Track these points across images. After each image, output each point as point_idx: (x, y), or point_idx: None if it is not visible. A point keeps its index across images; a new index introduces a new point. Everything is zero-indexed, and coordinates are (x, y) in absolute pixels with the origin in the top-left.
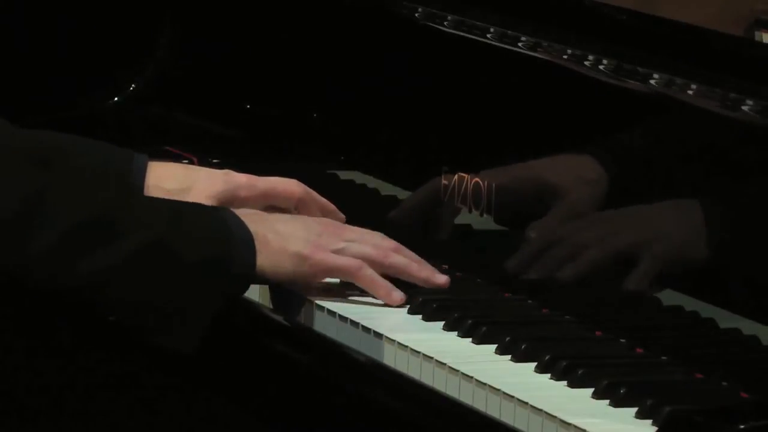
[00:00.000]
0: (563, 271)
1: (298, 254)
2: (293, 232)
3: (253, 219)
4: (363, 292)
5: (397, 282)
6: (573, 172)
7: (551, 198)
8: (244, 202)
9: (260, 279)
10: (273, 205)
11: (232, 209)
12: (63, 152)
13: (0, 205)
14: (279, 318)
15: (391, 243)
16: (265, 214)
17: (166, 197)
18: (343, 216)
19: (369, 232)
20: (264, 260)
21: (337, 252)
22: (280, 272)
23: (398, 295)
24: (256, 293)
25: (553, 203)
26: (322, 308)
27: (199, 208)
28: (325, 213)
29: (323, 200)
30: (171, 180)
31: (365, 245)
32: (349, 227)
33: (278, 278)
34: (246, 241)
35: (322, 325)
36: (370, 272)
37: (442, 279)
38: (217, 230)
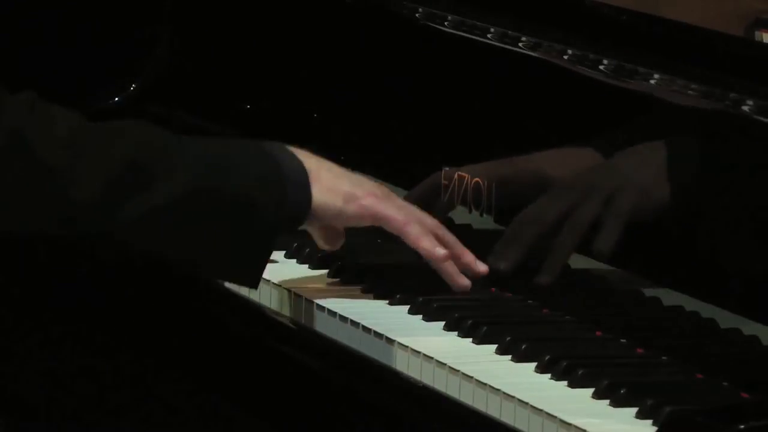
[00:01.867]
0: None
1: (350, 193)
2: (347, 174)
3: (307, 155)
4: (364, 292)
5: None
6: (572, 172)
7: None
8: None
9: (312, 214)
10: None
11: (286, 145)
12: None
13: (45, 153)
14: (281, 319)
15: (435, 222)
16: (315, 156)
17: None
18: None
19: (415, 207)
20: (316, 195)
21: (388, 200)
22: (330, 208)
23: (442, 250)
24: (256, 294)
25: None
26: (322, 308)
27: (248, 146)
28: None
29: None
30: None
31: (416, 209)
32: (397, 197)
33: (326, 215)
34: (300, 175)
35: (322, 325)
36: (418, 228)
37: (465, 282)
38: (267, 166)
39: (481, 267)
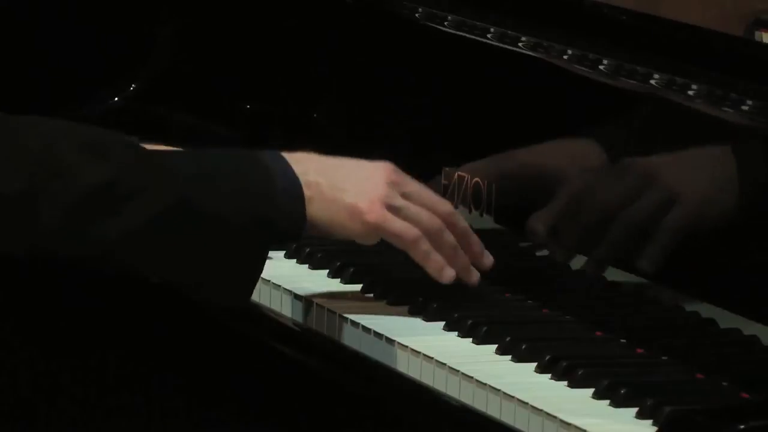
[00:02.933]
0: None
1: (353, 207)
2: (350, 182)
3: (306, 166)
4: (364, 293)
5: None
6: (572, 172)
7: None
8: None
9: (310, 230)
10: None
11: (283, 153)
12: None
13: (5, 177)
14: (283, 320)
15: (447, 207)
16: (320, 158)
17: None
18: None
19: (428, 190)
20: (316, 211)
21: (395, 210)
22: (333, 224)
23: (449, 273)
24: (257, 296)
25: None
26: (322, 308)
27: (240, 158)
28: None
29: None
30: None
31: (422, 211)
32: (406, 177)
33: (330, 231)
34: (293, 192)
35: (321, 324)
36: (425, 246)
37: (475, 277)
38: (258, 180)
39: (487, 260)
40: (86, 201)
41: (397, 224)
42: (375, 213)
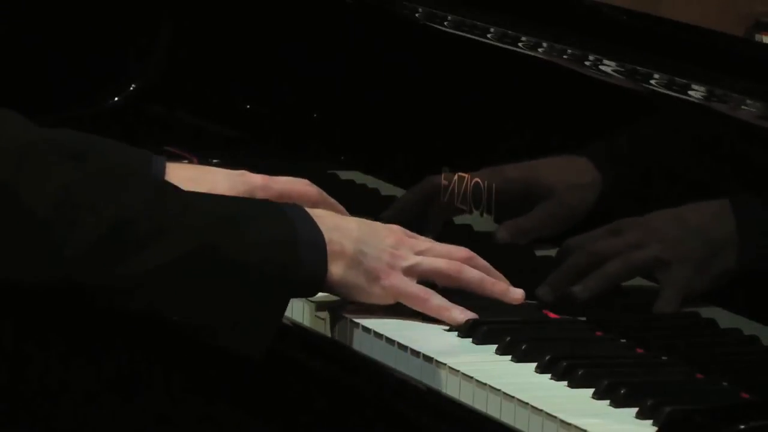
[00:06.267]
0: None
1: (373, 272)
2: (368, 243)
3: (327, 222)
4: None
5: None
6: (573, 173)
7: (550, 198)
8: None
9: (328, 287)
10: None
11: (306, 209)
12: (94, 148)
13: (35, 206)
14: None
15: (462, 252)
16: (340, 218)
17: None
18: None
19: (440, 244)
20: (337, 271)
21: (410, 269)
22: (351, 286)
23: (466, 315)
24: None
25: (552, 204)
26: (322, 307)
27: (264, 207)
28: None
29: (335, 202)
30: (190, 182)
31: (437, 258)
32: (420, 237)
33: (347, 291)
34: (315, 244)
35: (320, 325)
36: (438, 301)
37: (517, 294)
38: (281, 232)
39: (515, 294)
40: (109, 236)
41: (411, 287)
42: (391, 279)
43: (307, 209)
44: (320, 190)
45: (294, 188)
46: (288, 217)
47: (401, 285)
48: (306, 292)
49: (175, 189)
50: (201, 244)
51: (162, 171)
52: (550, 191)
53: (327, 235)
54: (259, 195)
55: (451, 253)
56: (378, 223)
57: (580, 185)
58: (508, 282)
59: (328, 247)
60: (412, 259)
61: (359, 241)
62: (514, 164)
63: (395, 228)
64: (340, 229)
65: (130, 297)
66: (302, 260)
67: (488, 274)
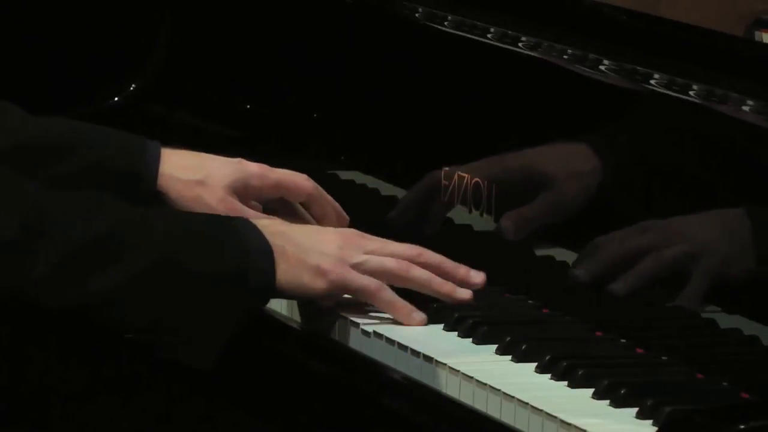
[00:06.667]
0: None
1: (317, 268)
2: (313, 244)
3: (271, 230)
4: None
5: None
6: (572, 172)
7: (551, 188)
8: (256, 192)
9: (278, 293)
10: (283, 197)
11: (249, 218)
12: (83, 141)
13: (2, 227)
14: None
15: (414, 251)
16: (284, 224)
17: (182, 188)
18: (347, 216)
19: (391, 242)
20: (282, 274)
21: (357, 266)
22: (298, 286)
23: (419, 316)
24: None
25: (552, 194)
26: (323, 307)
27: (213, 220)
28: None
29: (331, 198)
30: (186, 170)
31: (386, 258)
32: (371, 237)
33: (296, 293)
34: (265, 253)
35: (321, 327)
36: (388, 295)
37: (465, 294)
38: (232, 243)
39: (477, 278)
40: (76, 255)
41: (359, 279)
42: (338, 271)
43: (252, 220)
44: (317, 185)
45: (291, 179)
46: (236, 228)
47: (348, 277)
48: (259, 301)
49: (132, 206)
50: (158, 258)
51: (157, 157)
52: (550, 180)
53: (271, 240)
54: (255, 183)
55: (401, 252)
56: (328, 228)
57: (579, 175)
58: (467, 268)
59: (274, 254)
60: (360, 258)
61: (302, 243)
62: (514, 164)
63: (346, 231)
64: (284, 234)
65: (92, 313)
66: (253, 269)
67: (442, 268)
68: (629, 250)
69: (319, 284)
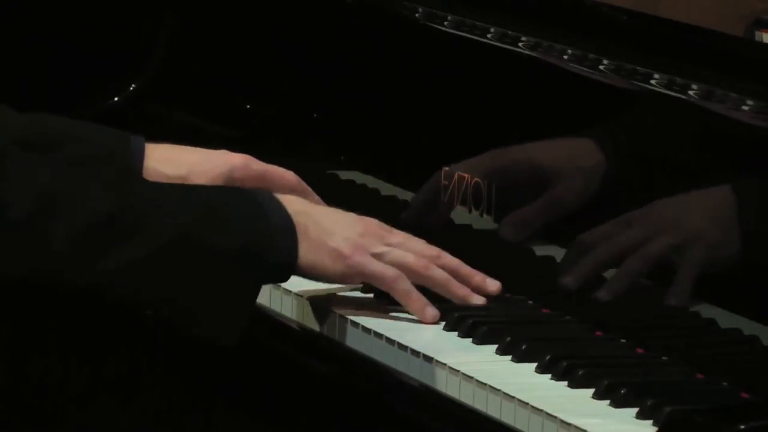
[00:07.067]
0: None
1: (337, 251)
2: (335, 227)
3: (295, 208)
4: (364, 293)
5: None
6: (572, 172)
7: (550, 198)
8: (240, 183)
9: (297, 271)
10: (266, 188)
11: (276, 194)
12: (70, 136)
13: (14, 204)
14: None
15: (433, 251)
16: (308, 204)
17: (166, 182)
18: None
19: (413, 237)
20: (303, 253)
21: (377, 256)
22: (316, 267)
23: (432, 312)
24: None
25: (551, 204)
26: (321, 307)
27: (235, 194)
28: None
29: (314, 194)
30: (170, 163)
31: (406, 253)
32: (393, 230)
33: (314, 273)
34: (287, 229)
35: (321, 324)
36: (406, 285)
37: (479, 300)
38: (254, 218)
39: (493, 287)
40: (92, 230)
41: (378, 266)
42: (357, 257)
43: (276, 194)
44: (302, 182)
45: (274, 171)
46: (258, 203)
47: (367, 263)
48: (278, 278)
49: (152, 183)
50: (177, 234)
51: (141, 151)
52: (550, 181)
53: (295, 219)
54: (238, 174)
55: (421, 250)
56: (351, 213)
57: (579, 176)
58: (483, 275)
59: (296, 232)
60: (381, 248)
61: (325, 224)
62: (515, 164)
63: (369, 220)
64: (307, 213)
65: (106, 291)
66: (275, 246)
67: (459, 272)
68: (629, 250)
69: (338, 267)
